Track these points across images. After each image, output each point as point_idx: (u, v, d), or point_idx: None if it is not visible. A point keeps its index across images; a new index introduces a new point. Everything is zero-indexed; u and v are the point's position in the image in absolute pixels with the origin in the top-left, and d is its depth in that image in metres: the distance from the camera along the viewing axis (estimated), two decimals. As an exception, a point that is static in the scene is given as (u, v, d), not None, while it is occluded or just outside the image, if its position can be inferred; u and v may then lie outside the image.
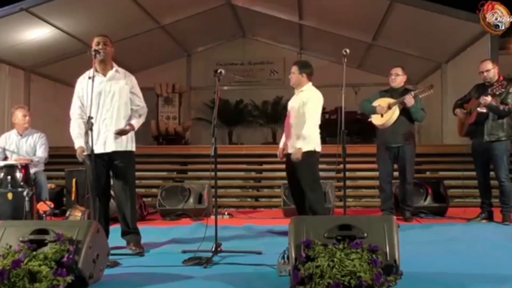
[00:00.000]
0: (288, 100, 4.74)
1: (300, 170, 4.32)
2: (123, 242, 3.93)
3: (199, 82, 12.10)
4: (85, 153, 3.55)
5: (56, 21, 7.84)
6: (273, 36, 11.66)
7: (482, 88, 5.08)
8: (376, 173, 5.91)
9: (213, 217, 3.84)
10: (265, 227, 5.02)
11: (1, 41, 7.76)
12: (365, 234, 2.68)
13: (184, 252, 3.68)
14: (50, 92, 9.74)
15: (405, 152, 5.28)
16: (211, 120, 4.01)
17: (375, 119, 5.32)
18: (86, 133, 3.42)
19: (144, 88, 4.43)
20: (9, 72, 8.61)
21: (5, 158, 5.39)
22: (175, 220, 5.85)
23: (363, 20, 8.70)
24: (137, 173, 4.23)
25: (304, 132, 4.26)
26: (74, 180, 6.18)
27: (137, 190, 4.95)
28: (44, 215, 4.82)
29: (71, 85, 4.02)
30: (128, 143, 3.88)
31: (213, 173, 3.74)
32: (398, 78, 5.35)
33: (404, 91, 5.33)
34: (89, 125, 3.41)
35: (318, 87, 4.51)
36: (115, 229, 4.03)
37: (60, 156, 7.10)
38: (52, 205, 4.97)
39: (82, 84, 3.82)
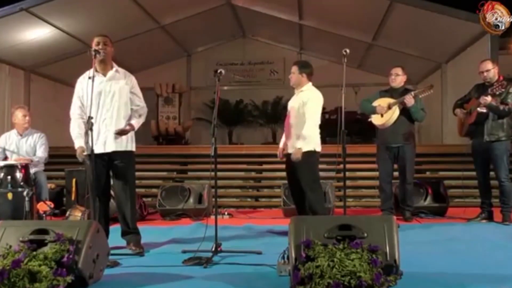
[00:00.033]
0: (288, 100, 4.74)
1: (300, 170, 4.32)
2: (123, 242, 3.93)
3: (199, 82, 12.10)
4: (85, 153, 3.55)
5: (56, 21, 7.84)
6: (273, 36, 11.66)
7: (482, 88, 5.08)
8: (376, 173, 5.91)
9: (213, 217, 3.84)
10: (265, 227, 5.02)
11: (1, 41, 7.76)
12: (365, 234, 2.68)
13: (184, 252, 3.68)
14: (50, 92, 9.74)
15: (405, 152, 5.28)
16: (211, 120, 4.01)
17: (375, 119, 5.32)
18: (86, 133, 3.42)
19: (144, 88, 4.43)
20: (9, 72, 8.61)
21: (5, 158, 5.39)
22: (175, 220, 5.84)
23: (363, 20, 8.70)
24: (137, 173, 4.23)
25: (304, 132, 4.26)
26: (74, 180, 6.18)
27: (137, 190, 4.95)
28: (44, 215, 4.82)
29: (71, 85, 4.02)
30: (128, 143, 3.88)
31: (213, 173, 3.74)
32: (398, 78, 5.35)
33: (404, 91, 5.33)
34: (89, 125, 3.41)
35: (318, 87, 4.51)
36: (115, 229, 4.03)
37: (60, 156, 7.10)
38: (52, 205, 4.96)
39: (82, 84, 3.82)
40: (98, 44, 3.78)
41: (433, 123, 9.30)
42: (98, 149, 3.65)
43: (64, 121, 4.09)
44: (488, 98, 4.83)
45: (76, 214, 5.23)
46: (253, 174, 7.99)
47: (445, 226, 5.06)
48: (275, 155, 4.87)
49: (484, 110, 4.95)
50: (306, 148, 4.26)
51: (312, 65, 4.65)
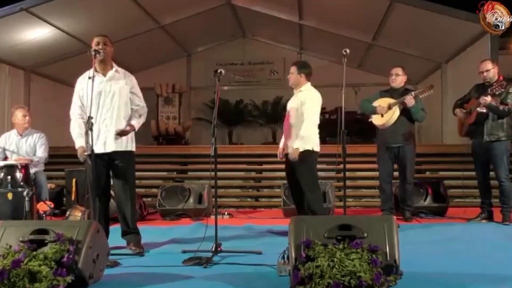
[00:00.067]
0: (288, 100, 4.74)
1: (299, 170, 4.34)
2: (123, 242, 3.93)
3: (199, 82, 12.10)
4: (86, 153, 3.55)
5: (56, 21, 7.84)
6: (273, 36, 11.67)
7: (482, 88, 5.08)
8: (376, 173, 5.91)
9: (213, 217, 3.84)
10: (265, 227, 5.02)
11: (1, 41, 7.76)
12: (365, 234, 2.68)
13: (184, 252, 3.68)
14: (50, 92, 9.74)
15: (405, 152, 5.28)
16: (211, 120, 4.01)
17: (376, 119, 5.32)
18: (86, 133, 3.43)
19: (144, 88, 4.43)
20: (9, 72, 8.61)
21: (5, 158, 5.39)
22: (175, 220, 5.84)
23: (363, 20, 8.70)
24: (137, 173, 4.23)
25: (302, 132, 4.27)
26: (74, 180, 6.18)
27: (137, 190, 4.95)
28: (44, 215, 4.82)
29: (71, 85, 4.02)
30: (128, 143, 3.88)
31: (213, 173, 3.74)
32: (398, 78, 5.35)
33: (405, 91, 5.33)
34: (89, 125, 3.41)
35: (318, 87, 4.51)
36: (115, 229, 4.03)
37: (60, 156, 7.11)
38: (52, 205, 4.96)
39: (82, 84, 3.82)
40: (98, 44, 3.78)
41: (433, 123, 9.30)
42: (98, 149, 3.65)
43: (64, 121, 4.09)
44: (488, 98, 4.83)
45: (76, 214, 5.23)
46: (253, 174, 7.99)
47: (445, 226, 5.06)
48: (275, 155, 4.87)
49: (484, 110, 4.95)
50: (304, 147, 4.27)
51: (312, 65, 4.65)
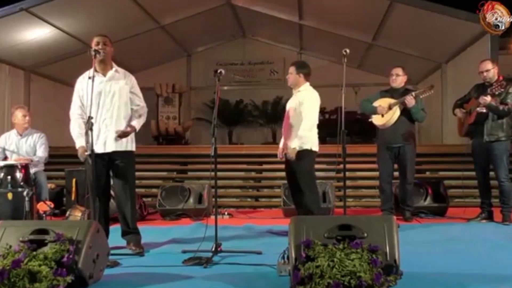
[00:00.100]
0: (288, 100, 4.75)
1: (297, 170, 4.35)
2: (123, 242, 3.93)
3: (199, 82, 12.10)
4: (87, 153, 3.55)
5: (56, 21, 7.84)
6: (273, 36, 11.67)
7: (482, 88, 5.08)
8: (376, 173, 5.91)
9: (213, 217, 3.84)
10: (265, 227, 5.02)
11: (1, 41, 7.76)
12: (365, 234, 2.68)
13: (184, 252, 3.68)
14: (50, 92, 9.74)
15: (405, 152, 5.28)
16: (211, 120, 4.01)
17: (376, 119, 5.32)
18: (86, 133, 3.43)
19: (144, 88, 4.43)
20: (9, 72, 8.62)
21: (5, 158, 5.39)
22: (175, 220, 5.84)
23: (363, 20, 8.70)
24: (137, 173, 4.23)
25: (300, 132, 4.29)
26: (74, 180, 6.18)
27: (137, 190, 4.96)
28: (44, 215, 4.82)
29: (71, 85, 4.02)
30: (128, 143, 3.88)
31: (213, 173, 3.74)
32: (398, 79, 5.35)
33: (405, 91, 5.33)
34: (89, 125, 3.41)
35: (318, 87, 4.51)
36: (115, 229, 4.03)
37: (60, 156, 7.11)
38: (52, 205, 4.96)
39: (82, 84, 3.82)
40: (97, 44, 3.78)
41: (433, 123, 9.30)
42: (98, 149, 3.66)
43: (64, 121, 4.08)
44: (488, 98, 4.83)
45: (76, 214, 5.23)
46: (253, 174, 7.99)
47: (445, 226, 5.06)
48: (275, 155, 4.87)
49: (484, 110, 4.95)
50: (302, 147, 4.28)
51: (312, 65, 4.66)
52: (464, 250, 3.84)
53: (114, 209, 4.09)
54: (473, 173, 5.51)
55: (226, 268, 3.31)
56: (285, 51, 11.74)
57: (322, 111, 8.74)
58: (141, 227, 4.11)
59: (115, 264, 3.36)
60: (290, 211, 5.49)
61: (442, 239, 4.30)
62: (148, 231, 4.54)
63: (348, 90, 4.82)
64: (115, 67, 3.90)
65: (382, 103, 5.27)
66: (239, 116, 12.04)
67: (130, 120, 3.89)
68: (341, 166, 3.99)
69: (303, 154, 4.29)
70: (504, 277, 2.96)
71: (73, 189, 6.15)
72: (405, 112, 5.20)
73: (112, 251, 3.33)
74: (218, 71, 3.81)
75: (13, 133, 5.58)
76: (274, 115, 11.51)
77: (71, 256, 2.63)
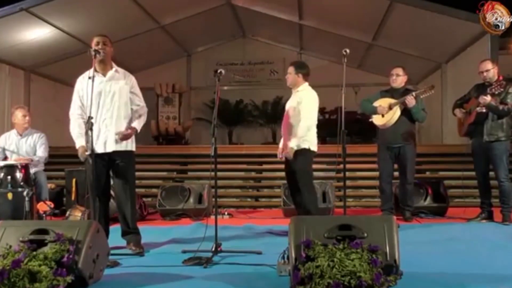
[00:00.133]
0: (288, 100, 4.75)
1: (296, 169, 4.36)
2: (123, 242, 3.93)
3: (199, 82, 12.10)
4: (87, 153, 3.55)
5: (56, 21, 7.84)
6: (273, 36, 11.66)
7: (482, 88, 5.08)
8: (376, 173, 5.91)
9: (213, 217, 3.84)
10: (265, 227, 5.02)
11: (1, 41, 7.76)
12: (365, 234, 2.68)
13: (184, 252, 3.68)
14: (50, 92, 9.74)
15: (405, 152, 5.28)
16: (211, 120, 4.01)
17: (376, 119, 5.32)
18: (86, 133, 3.43)
19: (144, 88, 4.43)
20: (9, 72, 8.61)
21: (5, 158, 5.39)
22: (175, 220, 5.84)
23: (363, 20, 8.70)
24: (137, 173, 4.23)
25: (299, 131, 4.30)
26: (74, 180, 6.18)
27: (137, 190, 4.95)
28: (44, 215, 4.82)
29: (71, 85, 4.02)
30: (128, 143, 3.88)
31: (213, 173, 3.74)
32: (399, 79, 5.35)
33: (405, 91, 5.33)
34: (89, 125, 3.41)
35: (318, 87, 4.52)
36: (115, 229, 4.03)
37: (60, 156, 7.10)
38: (52, 205, 4.96)
39: (82, 84, 3.82)
40: (97, 44, 3.78)
41: (433, 123, 9.29)
42: (98, 149, 3.66)
43: (64, 121, 4.09)
44: (488, 98, 4.83)
45: (76, 214, 5.23)
46: (253, 174, 7.99)
47: (445, 226, 5.06)
48: (275, 155, 4.87)
49: (484, 110, 4.96)
50: (300, 147, 4.29)
51: (312, 65, 4.68)
52: (464, 250, 3.84)
53: (114, 209, 4.09)
54: (473, 173, 5.51)
55: (226, 268, 3.31)
56: (285, 51, 11.74)
57: (322, 111, 8.75)
58: (141, 227, 4.11)
59: (115, 264, 3.36)
60: (290, 211, 5.49)
61: (442, 239, 4.30)
62: (148, 231, 4.54)
63: (348, 90, 4.82)
64: (115, 67, 3.90)
65: (382, 103, 5.27)
66: (239, 116, 12.04)
67: (130, 120, 3.89)
68: (341, 166, 3.99)
69: (301, 153, 4.30)
70: (504, 277, 2.96)
71: (73, 189, 6.16)
72: (406, 112, 5.20)
73: (112, 251, 3.33)
74: (218, 71, 3.81)
75: (13, 133, 5.58)
76: (274, 115, 11.50)
77: (71, 256, 2.63)
